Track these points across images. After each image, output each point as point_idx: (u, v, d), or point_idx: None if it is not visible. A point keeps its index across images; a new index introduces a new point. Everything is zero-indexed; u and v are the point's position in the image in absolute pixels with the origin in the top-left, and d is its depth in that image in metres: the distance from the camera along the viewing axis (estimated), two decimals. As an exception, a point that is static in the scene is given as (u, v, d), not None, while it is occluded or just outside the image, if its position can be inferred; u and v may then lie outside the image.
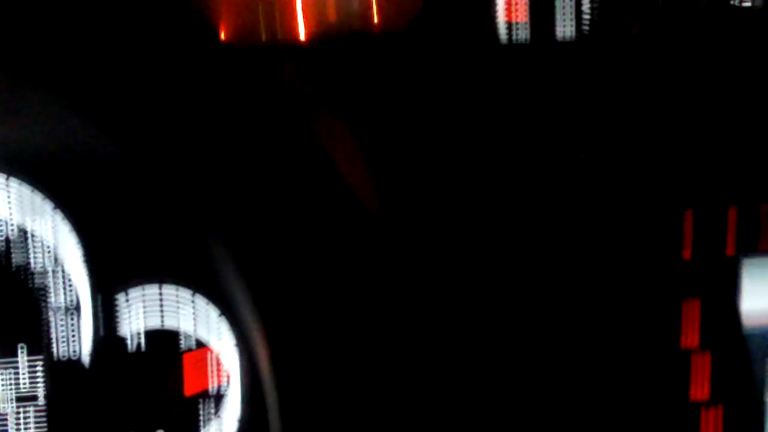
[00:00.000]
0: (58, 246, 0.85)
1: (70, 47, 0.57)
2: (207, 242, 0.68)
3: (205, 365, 0.83)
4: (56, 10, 0.56)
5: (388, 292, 0.59)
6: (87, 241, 0.85)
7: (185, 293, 0.83)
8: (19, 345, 0.84)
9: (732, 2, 1.41)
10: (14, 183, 0.84)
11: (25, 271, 0.85)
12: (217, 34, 0.63)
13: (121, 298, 0.83)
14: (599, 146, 1.27)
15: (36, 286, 0.85)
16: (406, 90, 1.29)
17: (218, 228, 0.61)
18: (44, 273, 0.85)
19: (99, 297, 0.83)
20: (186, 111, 0.57)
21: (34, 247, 0.85)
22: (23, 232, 0.86)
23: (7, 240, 0.85)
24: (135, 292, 0.84)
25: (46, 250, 0.85)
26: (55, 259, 0.86)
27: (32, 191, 0.85)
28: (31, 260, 0.86)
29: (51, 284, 0.85)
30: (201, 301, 0.82)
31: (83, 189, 0.84)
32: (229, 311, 0.78)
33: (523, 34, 1.37)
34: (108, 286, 0.84)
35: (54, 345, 0.85)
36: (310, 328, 0.60)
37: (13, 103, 0.71)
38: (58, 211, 0.85)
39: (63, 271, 0.86)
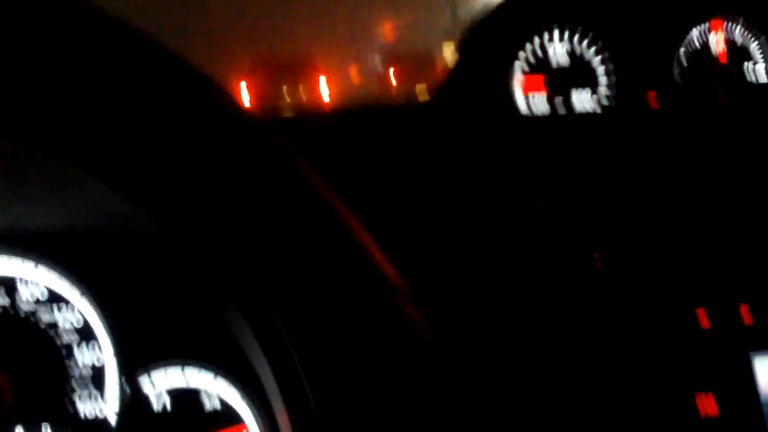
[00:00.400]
0: (83, 327, 0.84)
1: (101, 126, 0.56)
2: (231, 323, 0.66)
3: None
4: (87, 89, 0.55)
5: (409, 376, 0.58)
6: (112, 324, 0.84)
7: (208, 374, 0.81)
8: (43, 424, 0.82)
9: (749, 79, 1.41)
10: (43, 269, 0.83)
11: (51, 344, 0.84)
12: (242, 109, 0.62)
13: (144, 380, 0.82)
14: (611, 233, 1.25)
15: (62, 359, 0.84)
16: (423, 162, 1.29)
17: (243, 308, 0.59)
18: (70, 347, 0.83)
19: (123, 377, 0.82)
20: (213, 189, 0.56)
21: (60, 328, 0.85)
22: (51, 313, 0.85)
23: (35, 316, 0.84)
24: (158, 374, 0.82)
25: (72, 330, 0.85)
26: (81, 338, 0.85)
27: (60, 277, 0.83)
28: (57, 335, 0.84)
29: (77, 359, 0.83)
30: (223, 382, 0.81)
31: (112, 272, 0.82)
32: (252, 392, 0.76)
33: (542, 107, 1.38)
34: (132, 367, 0.83)
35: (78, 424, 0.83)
36: (336, 411, 0.58)
37: (42, 186, 0.70)
38: (85, 296, 0.83)
39: (88, 349, 0.84)
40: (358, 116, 1.38)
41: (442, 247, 1.20)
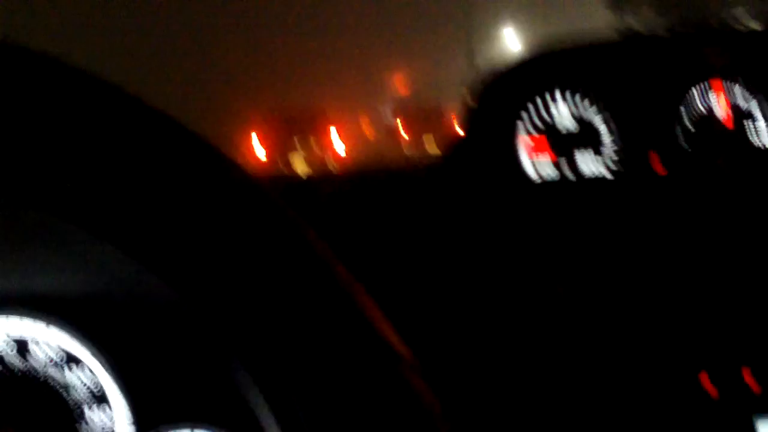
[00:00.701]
0: (94, 388, 0.84)
1: (112, 190, 0.57)
2: (242, 386, 0.66)
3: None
4: (98, 153, 0.56)
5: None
6: (124, 386, 0.83)
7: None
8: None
9: (750, 138, 1.42)
10: (54, 330, 0.83)
11: (63, 404, 0.84)
12: (252, 178, 0.64)
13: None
14: (615, 298, 1.25)
15: (74, 420, 0.84)
16: (432, 226, 1.30)
17: (254, 372, 0.60)
18: (81, 408, 0.83)
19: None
20: (224, 256, 0.57)
21: (71, 389, 0.85)
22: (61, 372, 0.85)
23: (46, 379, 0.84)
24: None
25: (84, 391, 0.84)
26: (92, 399, 0.84)
27: (72, 338, 0.84)
28: (69, 396, 0.84)
29: (88, 420, 0.83)
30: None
31: (123, 333, 0.83)
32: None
33: (548, 170, 1.39)
34: (143, 429, 0.82)
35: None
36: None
37: (52, 248, 0.70)
38: (97, 357, 0.84)
39: (99, 410, 0.84)
40: (366, 180, 1.39)
41: (450, 315, 1.20)
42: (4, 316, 0.83)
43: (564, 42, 1.39)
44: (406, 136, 15.74)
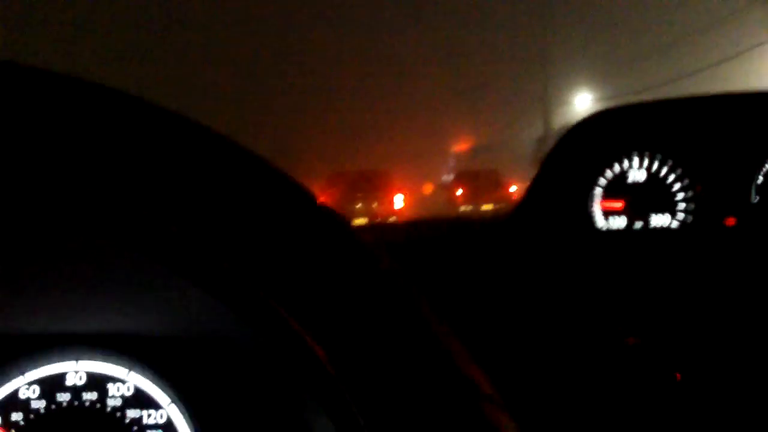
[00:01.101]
0: (166, 424, 0.84)
1: (201, 231, 0.55)
2: (318, 428, 0.64)
3: None
4: (189, 197, 0.56)
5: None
6: (198, 426, 0.83)
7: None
8: None
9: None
10: (135, 375, 0.84)
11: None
12: (346, 224, 0.62)
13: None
14: (688, 347, 1.20)
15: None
16: (503, 273, 1.27)
17: (332, 414, 0.57)
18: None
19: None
20: (310, 297, 0.56)
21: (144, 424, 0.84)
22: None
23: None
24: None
25: (155, 427, 0.84)
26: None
27: (150, 380, 0.84)
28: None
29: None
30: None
31: (199, 374, 0.82)
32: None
33: (619, 222, 1.36)
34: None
35: None
36: None
37: (135, 290, 0.70)
38: (174, 403, 0.83)
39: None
40: (444, 229, 1.38)
41: (530, 356, 1.17)
42: (88, 359, 0.84)
43: (637, 103, 1.37)
44: (461, 203, 15.94)
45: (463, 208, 15.73)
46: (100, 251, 0.63)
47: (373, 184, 13.51)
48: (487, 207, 15.42)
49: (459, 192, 16.40)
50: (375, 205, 13.36)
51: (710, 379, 1.19)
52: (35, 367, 0.84)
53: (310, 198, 0.59)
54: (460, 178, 17.27)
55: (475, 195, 15.82)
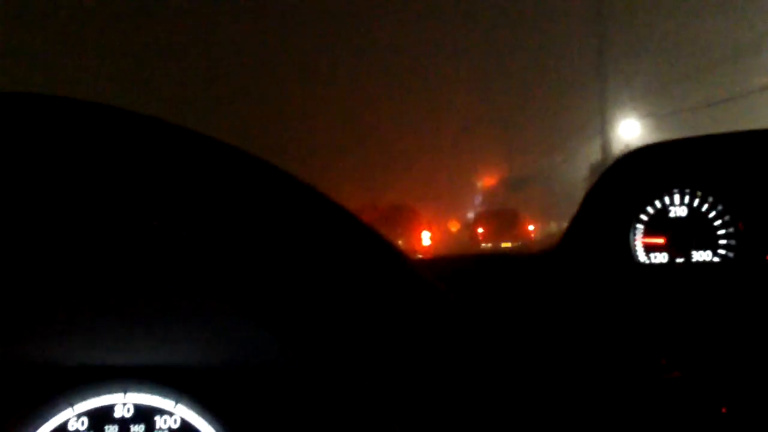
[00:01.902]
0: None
1: (245, 262, 0.54)
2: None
3: None
4: (245, 231, 0.54)
5: None
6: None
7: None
8: None
9: None
10: (182, 408, 0.82)
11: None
12: (400, 253, 0.60)
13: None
14: (731, 378, 1.15)
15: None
16: (545, 308, 1.24)
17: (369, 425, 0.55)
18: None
19: None
20: (360, 330, 0.55)
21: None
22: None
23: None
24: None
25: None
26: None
27: (197, 414, 0.82)
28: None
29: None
30: None
31: (246, 405, 0.80)
32: None
33: (660, 257, 1.32)
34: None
35: None
36: None
37: (183, 322, 0.69)
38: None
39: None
40: (486, 263, 1.35)
41: (573, 390, 1.13)
42: (136, 391, 0.82)
43: (677, 139, 1.34)
44: (482, 240, 16.07)
45: (483, 245, 15.95)
46: (149, 285, 0.62)
47: (399, 221, 13.15)
48: (506, 244, 15.66)
49: (480, 230, 16.58)
50: (401, 242, 12.89)
51: (754, 413, 1.13)
52: (84, 399, 0.82)
53: (358, 224, 0.57)
54: (481, 218, 17.55)
55: (495, 233, 16.02)
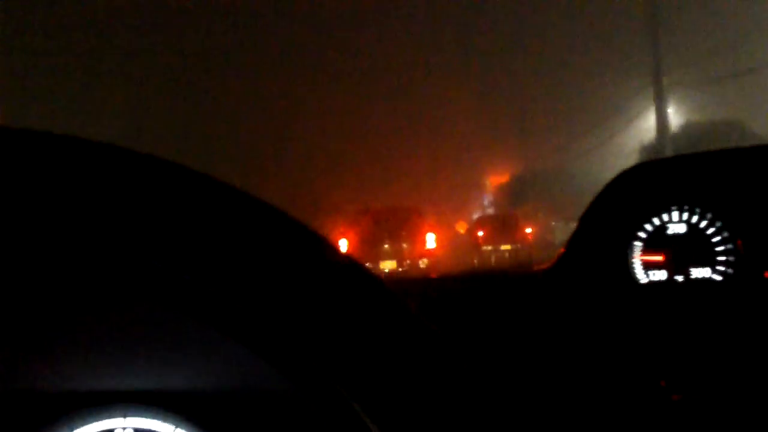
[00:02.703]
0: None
1: (240, 289, 0.54)
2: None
3: None
4: (241, 260, 0.55)
5: None
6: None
7: None
8: None
9: None
10: (180, 430, 0.80)
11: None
12: (376, 279, 0.60)
13: None
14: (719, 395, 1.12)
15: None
16: (543, 326, 1.21)
17: None
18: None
19: None
20: (358, 356, 0.55)
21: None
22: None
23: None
24: None
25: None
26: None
27: None
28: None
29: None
30: None
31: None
32: None
33: (659, 274, 1.29)
34: None
35: None
36: None
37: (183, 349, 0.68)
38: None
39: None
40: (482, 281, 1.33)
41: (572, 411, 1.10)
42: (135, 416, 0.81)
43: (675, 156, 1.31)
44: (481, 244, 16.19)
45: (484, 248, 16.07)
46: (148, 311, 0.62)
47: (402, 223, 12.54)
48: (505, 247, 15.83)
49: (480, 233, 16.70)
50: (405, 245, 12.36)
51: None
52: (84, 423, 0.80)
53: (338, 254, 0.58)
54: (482, 222, 17.66)
55: (494, 237, 16.16)
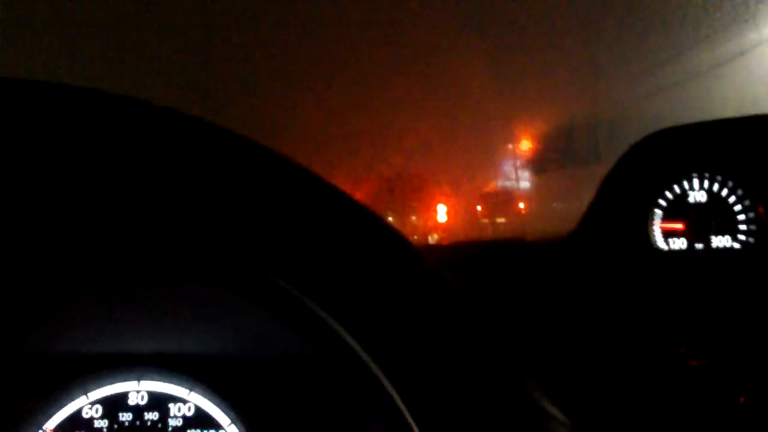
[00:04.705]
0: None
1: (261, 252, 0.50)
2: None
3: None
4: (257, 220, 0.51)
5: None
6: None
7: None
8: None
9: None
10: (196, 396, 0.77)
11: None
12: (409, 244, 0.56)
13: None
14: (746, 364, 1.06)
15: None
16: (563, 294, 1.14)
17: (383, 421, 0.50)
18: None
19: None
20: (378, 321, 0.50)
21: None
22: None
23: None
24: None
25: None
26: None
27: (212, 404, 0.77)
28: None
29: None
30: None
31: (261, 397, 0.74)
32: None
33: (679, 243, 1.21)
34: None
35: None
36: None
37: (199, 312, 0.64)
38: (235, 423, 0.75)
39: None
40: (503, 250, 1.25)
41: (592, 378, 1.05)
42: (150, 379, 0.77)
43: (696, 122, 1.22)
44: (480, 217, 16.35)
45: (482, 221, 16.26)
46: (164, 275, 0.59)
47: (410, 192, 12.27)
48: (500, 219, 15.92)
49: (479, 208, 16.83)
50: (413, 218, 12.12)
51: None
52: (98, 387, 0.78)
53: (371, 216, 0.54)
54: (480, 198, 17.75)
55: (491, 211, 16.29)
